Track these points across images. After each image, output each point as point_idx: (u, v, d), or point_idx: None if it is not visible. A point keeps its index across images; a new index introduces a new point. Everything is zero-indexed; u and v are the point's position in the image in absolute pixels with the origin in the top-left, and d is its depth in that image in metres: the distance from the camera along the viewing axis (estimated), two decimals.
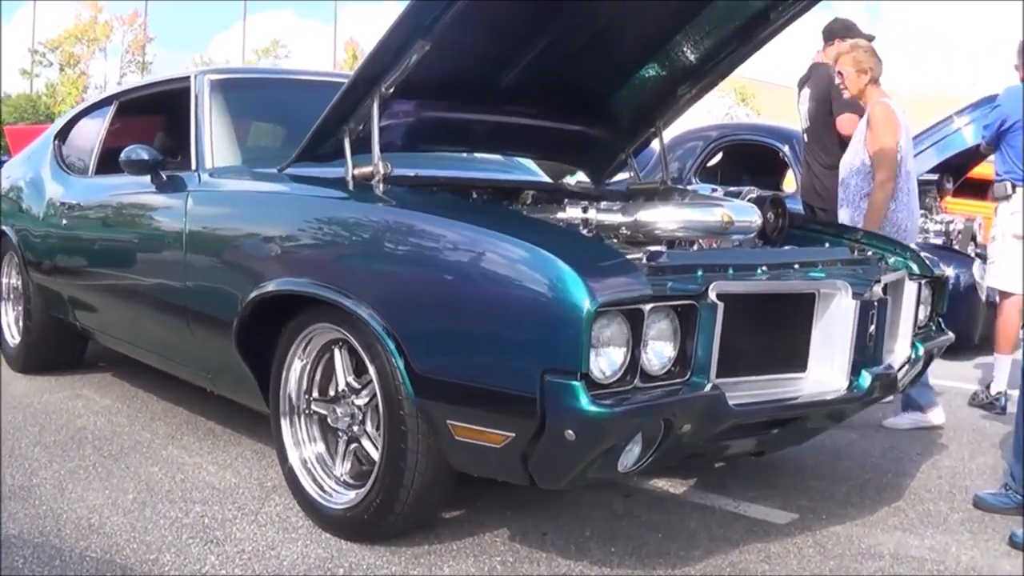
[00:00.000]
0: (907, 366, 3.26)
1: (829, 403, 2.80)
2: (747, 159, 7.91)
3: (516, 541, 3.04)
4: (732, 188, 3.85)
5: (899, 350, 3.30)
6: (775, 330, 2.79)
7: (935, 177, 7.17)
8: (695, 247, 3.07)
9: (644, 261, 2.63)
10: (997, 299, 5.14)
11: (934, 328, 3.67)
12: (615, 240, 3.14)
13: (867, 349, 2.86)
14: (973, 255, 6.74)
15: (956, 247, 6.82)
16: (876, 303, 2.85)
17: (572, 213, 3.12)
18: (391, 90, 3.16)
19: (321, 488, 3.08)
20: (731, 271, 2.83)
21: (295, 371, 3.17)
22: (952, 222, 6.96)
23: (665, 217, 3.02)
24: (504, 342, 2.44)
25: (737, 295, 2.58)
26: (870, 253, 3.52)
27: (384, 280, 2.77)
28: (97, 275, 4.34)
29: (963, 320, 6.31)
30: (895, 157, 4.35)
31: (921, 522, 3.25)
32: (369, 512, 2.88)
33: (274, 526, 3.12)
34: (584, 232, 3.03)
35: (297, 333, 3.11)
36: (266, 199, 3.23)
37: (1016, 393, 4.93)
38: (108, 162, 4.45)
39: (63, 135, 5.02)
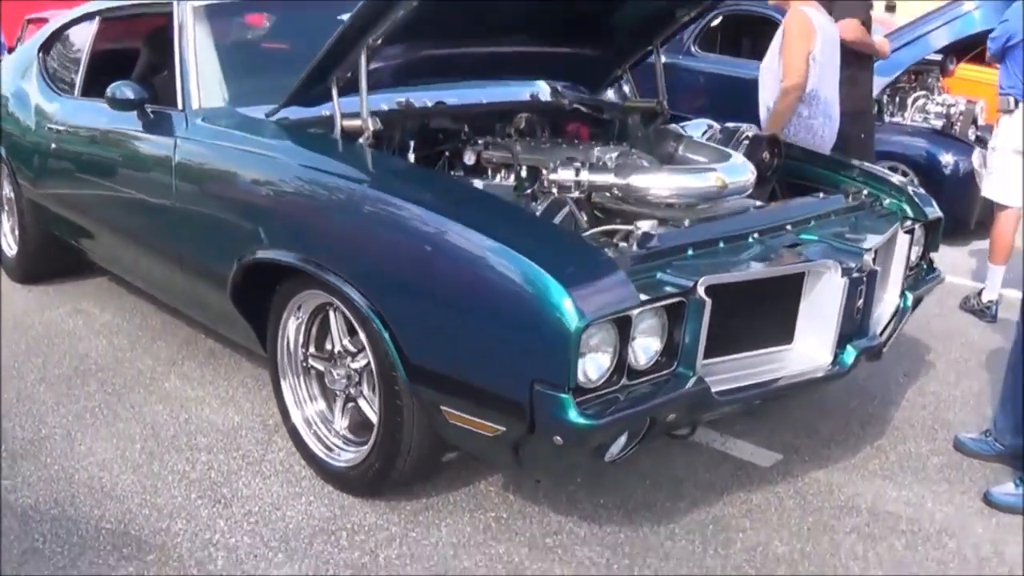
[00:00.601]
0: (896, 317, 3.31)
1: (811, 383, 2.86)
2: (748, 28, 7.71)
3: (510, 491, 3.15)
4: (729, 124, 3.76)
5: (888, 300, 3.35)
6: (762, 307, 2.81)
7: (939, 58, 7.03)
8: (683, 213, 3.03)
9: (634, 248, 2.64)
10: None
11: (925, 267, 3.69)
12: (607, 195, 3.13)
13: (854, 322, 2.90)
14: (973, 138, 6.68)
15: (957, 130, 6.74)
16: (865, 277, 2.86)
17: (565, 176, 3.10)
18: (379, 41, 3.10)
19: (325, 446, 3.18)
20: (721, 244, 2.85)
21: (291, 329, 3.21)
22: (954, 105, 6.86)
23: (658, 184, 3.00)
24: (494, 346, 2.47)
25: (726, 285, 2.59)
26: (865, 194, 3.51)
27: (371, 264, 2.78)
28: (88, 204, 4.32)
29: (960, 206, 6.34)
30: (802, 67, 4.46)
31: (901, 467, 3.36)
32: (369, 474, 2.99)
33: (278, 478, 3.23)
34: (575, 211, 3.03)
35: (289, 296, 3.14)
36: (253, 161, 3.17)
37: (1012, 293, 5.02)
38: (94, 82, 4.37)
39: (47, 48, 4.88)
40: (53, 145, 4.42)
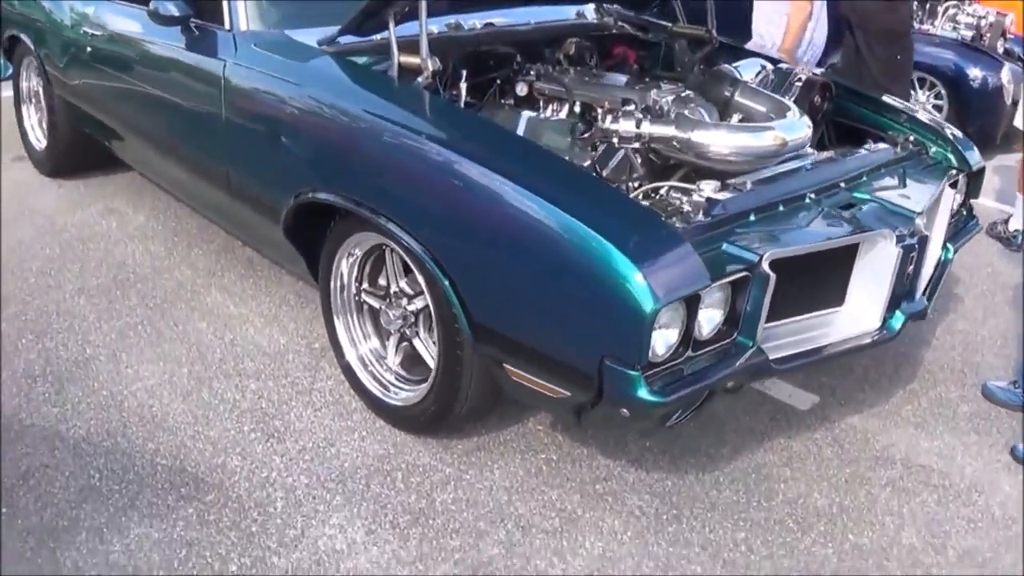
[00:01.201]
0: (937, 270, 3.36)
1: (860, 348, 2.92)
2: None
3: (558, 431, 3.23)
4: (782, 65, 3.74)
5: (931, 253, 3.38)
6: (818, 271, 2.85)
7: None
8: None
9: (700, 216, 2.67)
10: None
11: (965, 214, 3.73)
12: (664, 147, 3.12)
13: (904, 286, 2.95)
14: (1002, 51, 6.62)
15: (986, 42, 6.67)
16: (917, 244, 2.90)
17: (625, 126, 3.09)
18: None
19: (380, 384, 3.24)
20: (781, 207, 2.87)
21: (344, 268, 3.24)
22: (984, 16, 6.77)
23: (719, 141, 2.99)
24: (564, 317, 2.49)
25: (788, 258, 2.63)
26: (912, 141, 3.52)
27: (436, 221, 2.76)
28: (126, 111, 4.25)
29: (987, 121, 6.35)
30: None
31: (932, 414, 3.45)
32: (424, 416, 3.06)
33: (329, 410, 3.29)
34: (631, 155, 3.05)
35: (345, 236, 3.15)
36: (309, 99, 3.12)
37: None
38: None
39: None
40: (88, 48, 4.32)
